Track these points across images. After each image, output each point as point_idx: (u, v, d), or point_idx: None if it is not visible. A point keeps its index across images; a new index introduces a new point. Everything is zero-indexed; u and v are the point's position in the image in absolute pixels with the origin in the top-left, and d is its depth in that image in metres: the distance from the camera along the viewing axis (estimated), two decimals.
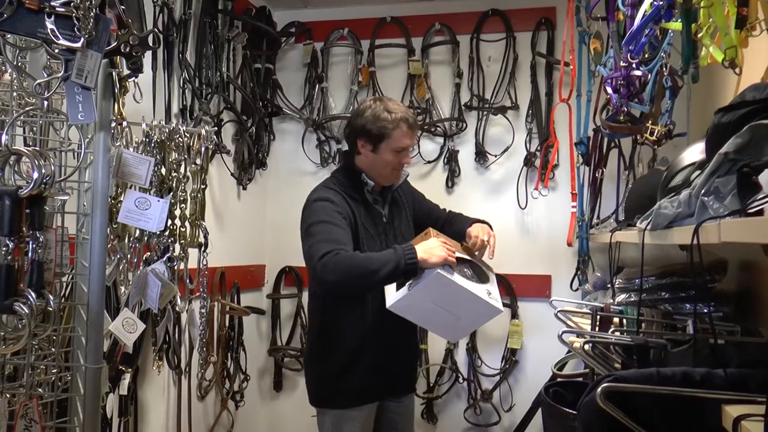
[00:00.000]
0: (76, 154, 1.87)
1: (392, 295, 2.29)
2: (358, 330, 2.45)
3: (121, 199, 2.10)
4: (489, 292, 2.28)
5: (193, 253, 2.50)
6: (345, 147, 3.80)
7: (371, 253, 2.32)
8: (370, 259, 2.23)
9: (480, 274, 2.36)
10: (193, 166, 2.40)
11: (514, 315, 3.61)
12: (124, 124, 2.11)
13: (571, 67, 3.06)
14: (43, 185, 1.49)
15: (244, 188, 3.72)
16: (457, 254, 2.30)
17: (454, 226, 2.66)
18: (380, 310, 2.38)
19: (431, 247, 2.23)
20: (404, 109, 2.50)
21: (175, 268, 2.35)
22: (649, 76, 1.87)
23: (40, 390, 1.77)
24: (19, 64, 1.79)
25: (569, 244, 3.27)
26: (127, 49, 1.62)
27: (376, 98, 2.55)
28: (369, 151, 2.47)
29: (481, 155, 3.71)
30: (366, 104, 2.51)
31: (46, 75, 1.61)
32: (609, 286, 2.49)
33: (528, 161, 3.61)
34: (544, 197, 3.53)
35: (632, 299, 2.10)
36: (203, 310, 2.78)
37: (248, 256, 3.83)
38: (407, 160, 2.52)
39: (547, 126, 3.59)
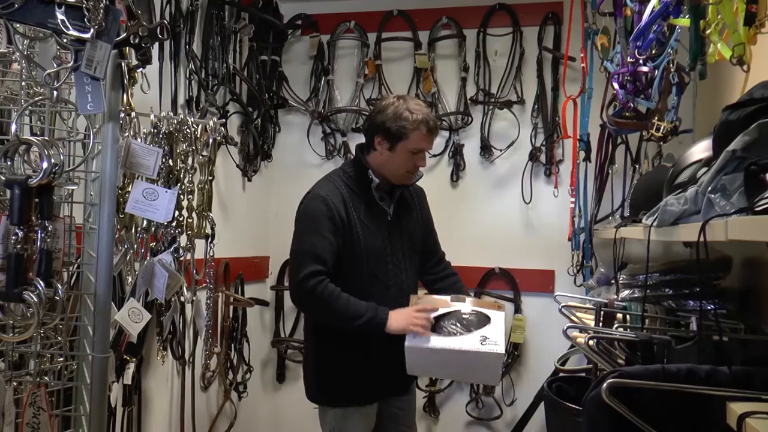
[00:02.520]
0: (84, 144, 1.88)
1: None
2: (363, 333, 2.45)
3: (129, 189, 2.10)
4: (484, 337, 2.26)
5: (199, 243, 2.51)
6: (350, 139, 3.84)
7: (352, 300, 2.32)
8: (347, 308, 2.30)
9: (477, 321, 2.34)
10: (200, 157, 2.40)
11: (517, 309, 3.62)
12: (133, 114, 2.12)
13: (583, 64, 3.05)
14: (52, 175, 1.50)
15: (249, 180, 3.73)
16: (441, 311, 2.34)
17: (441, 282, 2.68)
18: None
19: (398, 317, 2.31)
20: (426, 111, 2.45)
21: (182, 258, 2.36)
22: (656, 72, 1.87)
23: (46, 378, 1.78)
24: (29, 53, 1.79)
25: (570, 239, 3.28)
26: (137, 41, 1.62)
27: (399, 96, 2.49)
28: (385, 149, 2.43)
29: (486, 149, 3.72)
30: (388, 101, 2.46)
31: (55, 65, 1.62)
32: (613, 281, 2.49)
33: (533, 156, 3.61)
34: (555, 197, 3.54)
35: (636, 295, 2.11)
36: (209, 301, 2.79)
37: (252, 248, 3.84)
38: (422, 162, 2.49)
39: (552, 121, 3.59)
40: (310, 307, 2.44)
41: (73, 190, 1.84)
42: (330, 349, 2.47)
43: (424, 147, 2.46)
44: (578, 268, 3.25)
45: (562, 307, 2.32)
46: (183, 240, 2.41)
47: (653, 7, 1.78)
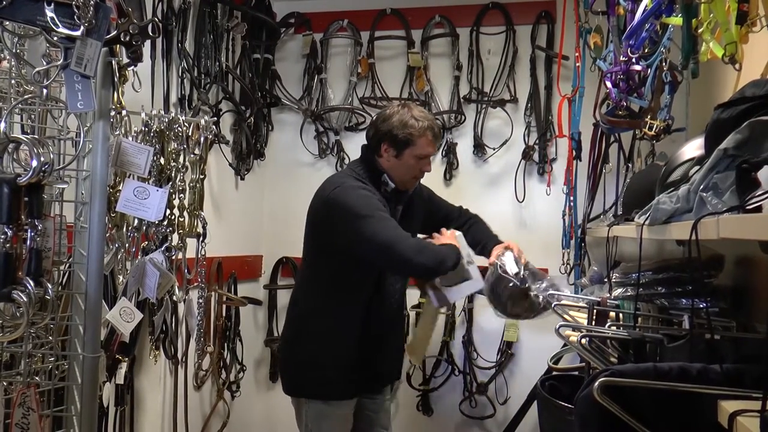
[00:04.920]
0: (74, 142, 1.87)
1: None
2: (351, 322, 2.47)
3: (120, 188, 2.09)
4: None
5: (190, 242, 2.50)
6: (343, 138, 3.84)
7: (434, 244, 2.46)
8: (446, 248, 2.42)
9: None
10: (192, 156, 2.39)
11: None
12: (124, 113, 2.11)
13: (578, 63, 3.05)
14: (41, 173, 1.49)
15: (242, 178, 3.72)
16: None
17: (475, 235, 2.73)
18: (374, 304, 2.45)
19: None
20: (431, 118, 2.53)
21: (173, 257, 2.35)
22: (649, 70, 1.87)
23: (37, 378, 1.77)
24: (18, 51, 1.78)
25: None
26: (127, 38, 1.61)
27: (403, 104, 2.56)
28: (392, 156, 2.48)
29: (479, 148, 3.72)
30: (393, 109, 2.51)
31: (45, 63, 1.61)
32: (606, 280, 2.49)
33: (526, 154, 3.61)
34: (547, 195, 3.54)
35: (629, 294, 2.11)
36: (200, 301, 2.78)
37: (245, 247, 3.83)
38: (428, 168, 2.55)
39: (546, 119, 3.60)
40: (434, 264, 2.39)
41: (63, 188, 1.83)
42: (319, 339, 2.49)
43: (430, 152, 2.53)
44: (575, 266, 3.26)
45: (555, 305, 2.32)
46: (174, 239, 2.40)
47: (646, 6, 1.78)
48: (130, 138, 2.15)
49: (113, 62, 1.72)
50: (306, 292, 2.61)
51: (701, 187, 1.21)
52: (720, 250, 1.91)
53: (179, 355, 3.00)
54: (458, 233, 2.57)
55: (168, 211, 2.30)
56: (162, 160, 2.29)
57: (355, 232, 2.34)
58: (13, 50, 1.72)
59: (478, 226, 2.79)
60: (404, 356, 2.85)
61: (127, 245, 2.23)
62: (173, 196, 2.34)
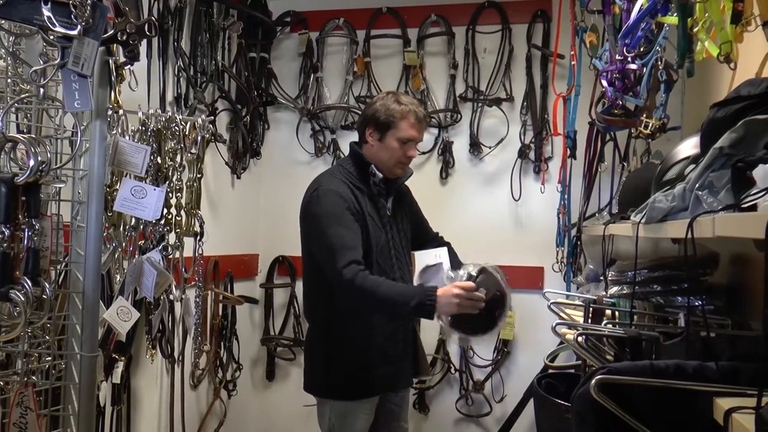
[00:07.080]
0: (71, 141, 1.87)
1: None
2: (372, 322, 2.46)
3: (117, 187, 2.09)
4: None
5: (187, 241, 2.50)
6: (339, 137, 3.85)
7: (394, 286, 2.37)
8: (392, 295, 2.30)
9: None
10: (189, 155, 2.39)
11: None
12: (121, 112, 2.10)
13: (573, 62, 3.06)
14: (39, 172, 1.49)
15: (238, 177, 3.72)
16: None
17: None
18: None
19: (446, 300, 2.24)
20: (415, 104, 2.56)
21: (170, 256, 2.35)
22: (645, 69, 1.88)
23: (34, 378, 1.77)
24: (15, 50, 1.77)
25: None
26: (124, 37, 1.61)
27: (389, 92, 2.61)
28: (376, 140, 2.51)
29: (475, 147, 3.72)
30: (379, 96, 2.58)
31: (42, 62, 1.61)
32: (602, 278, 2.50)
33: (522, 153, 3.62)
34: (541, 194, 3.54)
35: (625, 292, 2.12)
36: (198, 300, 2.78)
37: (242, 246, 3.83)
38: (412, 153, 2.55)
39: (541, 118, 3.60)
40: (355, 299, 2.35)
41: (60, 187, 1.83)
42: (342, 339, 2.48)
43: (413, 136, 2.52)
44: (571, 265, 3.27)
45: (551, 303, 2.33)
46: (172, 238, 2.40)
47: (641, 5, 1.79)
48: (128, 137, 2.15)
49: (110, 61, 1.71)
50: (316, 297, 2.58)
51: (697, 185, 1.21)
52: (715, 248, 1.92)
53: (176, 354, 3.00)
54: (444, 248, 2.66)
55: (165, 210, 2.30)
56: (159, 159, 2.29)
57: (314, 235, 2.43)
58: (10, 49, 1.72)
59: (450, 249, 2.78)
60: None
61: (124, 244, 2.23)
62: (170, 195, 2.34)
